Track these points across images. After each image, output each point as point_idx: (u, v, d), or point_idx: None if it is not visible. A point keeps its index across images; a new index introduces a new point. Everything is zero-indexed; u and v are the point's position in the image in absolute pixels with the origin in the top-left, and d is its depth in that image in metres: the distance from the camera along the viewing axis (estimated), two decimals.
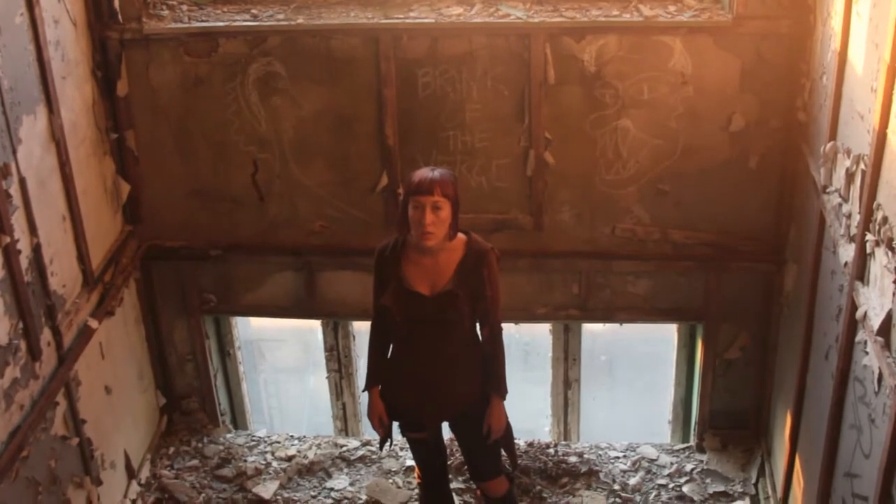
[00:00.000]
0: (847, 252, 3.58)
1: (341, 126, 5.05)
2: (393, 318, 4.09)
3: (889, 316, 3.05)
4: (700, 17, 4.64)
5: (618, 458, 5.63)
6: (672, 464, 5.58)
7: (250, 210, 5.30)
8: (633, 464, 5.57)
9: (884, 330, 3.10)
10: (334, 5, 5.00)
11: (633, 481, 5.43)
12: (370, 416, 4.36)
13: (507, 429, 4.34)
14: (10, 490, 3.97)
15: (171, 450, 5.78)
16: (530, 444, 5.68)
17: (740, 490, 5.36)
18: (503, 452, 4.46)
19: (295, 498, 5.43)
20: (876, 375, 3.18)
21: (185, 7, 5.02)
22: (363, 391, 4.37)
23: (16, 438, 4.00)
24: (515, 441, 4.55)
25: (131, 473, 5.37)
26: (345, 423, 6.16)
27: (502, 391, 4.22)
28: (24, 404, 4.13)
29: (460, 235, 4.04)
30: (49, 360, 4.37)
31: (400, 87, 4.91)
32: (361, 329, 5.81)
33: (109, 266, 5.05)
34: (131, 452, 5.38)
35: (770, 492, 5.14)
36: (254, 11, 4.96)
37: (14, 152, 4.01)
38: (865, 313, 3.29)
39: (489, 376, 4.21)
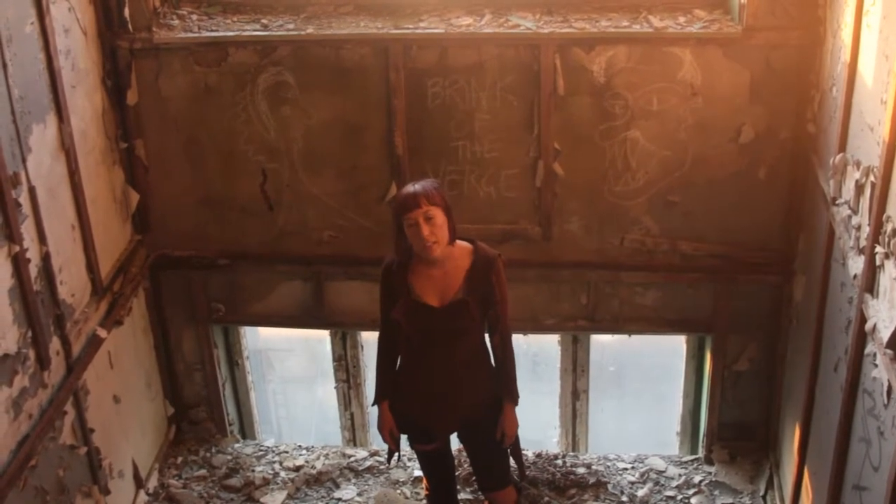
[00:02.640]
0: (856, 264, 3.57)
1: (350, 136, 5.06)
2: (402, 332, 4.10)
3: None
4: (710, 29, 4.63)
5: (626, 469, 5.61)
6: (680, 475, 5.56)
7: (259, 219, 5.30)
8: (642, 475, 5.55)
9: (893, 342, 3.08)
10: (344, 15, 5.01)
11: (641, 493, 5.41)
12: (380, 430, 4.35)
13: (516, 439, 4.34)
14: (19, 499, 3.97)
15: (179, 459, 5.78)
16: (538, 455, 5.67)
17: (748, 502, 5.34)
18: (511, 463, 4.45)
19: None
20: (885, 388, 3.17)
21: (195, 17, 5.04)
22: (372, 405, 4.37)
23: (24, 447, 4.01)
24: (523, 452, 4.54)
25: (139, 483, 5.37)
26: (353, 433, 6.15)
27: (514, 397, 4.23)
28: (33, 413, 4.14)
29: (467, 245, 4.04)
30: (58, 369, 4.37)
31: (409, 97, 4.92)
32: (369, 339, 5.81)
33: (118, 275, 5.06)
34: (139, 462, 5.38)
35: None
36: (264, 21, 4.97)
37: (24, 161, 4.02)
38: (875, 325, 3.28)
39: (501, 383, 4.21)
